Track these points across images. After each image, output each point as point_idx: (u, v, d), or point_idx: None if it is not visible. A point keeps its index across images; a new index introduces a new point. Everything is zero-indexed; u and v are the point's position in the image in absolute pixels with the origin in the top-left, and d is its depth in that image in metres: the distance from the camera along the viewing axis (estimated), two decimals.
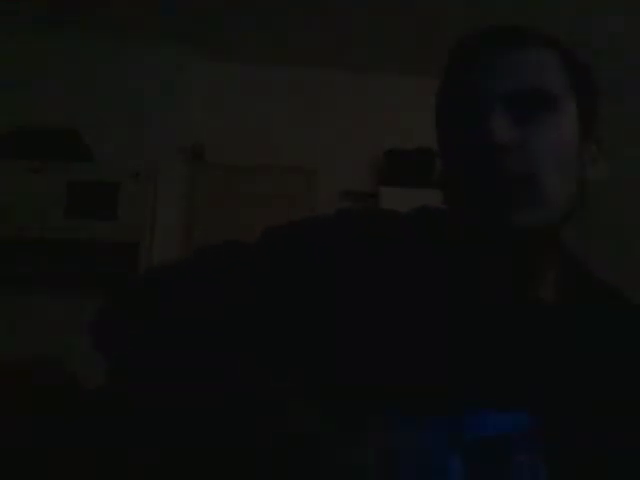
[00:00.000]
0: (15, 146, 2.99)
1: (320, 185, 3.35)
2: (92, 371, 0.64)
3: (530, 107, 0.60)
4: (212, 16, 3.03)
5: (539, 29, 0.64)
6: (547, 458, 0.52)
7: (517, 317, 0.62)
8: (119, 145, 3.14)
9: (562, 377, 0.60)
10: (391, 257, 0.63)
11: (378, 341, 0.59)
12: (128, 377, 0.63)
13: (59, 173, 2.98)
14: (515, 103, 0.60)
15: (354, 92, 3.52)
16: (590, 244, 2.44)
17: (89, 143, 3.10)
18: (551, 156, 0.59)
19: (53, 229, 2.94)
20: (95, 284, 2.71)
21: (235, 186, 3.31)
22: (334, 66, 3.45)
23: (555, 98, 0.61)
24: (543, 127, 0.60)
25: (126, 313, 0.65)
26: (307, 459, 0.50)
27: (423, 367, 0.57)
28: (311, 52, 3.35)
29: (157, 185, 3.14)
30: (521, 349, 0.61)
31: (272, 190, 3.29)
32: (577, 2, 2.70)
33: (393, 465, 0.48)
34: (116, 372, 0.65)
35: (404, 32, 3.10)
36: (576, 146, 0.62)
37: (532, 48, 0.62)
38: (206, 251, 0.68)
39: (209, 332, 0.59)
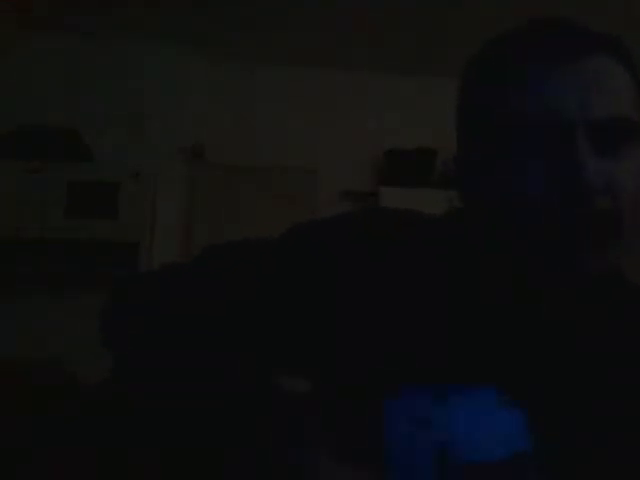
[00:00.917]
0: (15, 146, 2.99)
1: (320, 185, 3.35)
2: (92, 371, 0.64)
3: (613, 136, 0.56)
4: (212, 16, 3.03)
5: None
6: (547, 460, 0.52)
7: (517, 318, 0.62)
8: (119, 145, 3.14)
9: (562, 377, 0.60)
10: (393, 260, 0.63)
11: (377, 341, 0.59)
12: (128, 377, 0.63)
13: (59, 173, 2.98)
14: (598, 129, 0.55)
15: (354, 92, 3.52)
16: None
17: (89, 143, 3.10)
18: (632, 190, 0.56)
19: (53, 229, 2.94)
20: (95, 284, 2.71)
21: (235, 186, 3.31)
22: (334, 66, 3.45)
23: (636, 127, 0.57)
24: (625, 159, 0.56)
25: (127, 312, 0.65)
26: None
27: (422, 366, 0.57)
28: (311, 52, 3.35)
29: (157, 185, 3.14)
30: (522, 349, 0.61)
31: (272, 190, 3.29)
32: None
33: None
34: (119, 372, 0.65)
35: (404, 32, 3.10)
36: None
37: (601, 55, 0.57)
38: (209, 251, 0.68)
39: (209, 331, 0.59)
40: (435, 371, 0.57)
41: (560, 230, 0.55)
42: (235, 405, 0.54)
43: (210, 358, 0.57)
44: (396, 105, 3.47)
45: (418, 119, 3.33)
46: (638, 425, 0.59)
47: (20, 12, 2.95)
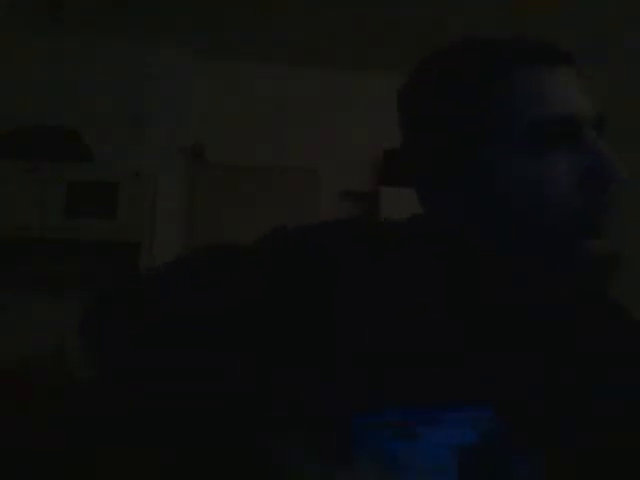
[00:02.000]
0: (15, 146, 2.99)
1: (320, 185, 3.35)
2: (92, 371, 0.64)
3: (599, 130, 0.60)
4: (212, 16, 3.03)
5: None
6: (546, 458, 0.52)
7: (517, 318, 0.62)
8: (119, 145, 3.14)
9: (562, 377, 0.60)
10: (392, 260, 0.63)
11: (377, 341, 0.59)
12: (128, 377, 0.63)
13: (59, 173, 2.98)
14: (596, 123, 0.59)
15: (354, 92, 3.52)
16: None
17: (89, 143, 3.10)
18: None
19: (53, 229, 2.94)
20: (95, 284, 2.71)
21: (235, 186, 3.31)
22: (334, 66, 3.45)
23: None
24: None
25: (125, 312, 0.65)
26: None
27: (421, 365, 0.57)
28: (311, 52, 3.35)
29: (157, 185, 3.14)
30: (521, 349, 0.61)
31: (272, 190, 3.29)
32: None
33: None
34: (114, 372, 0.65)
35: (404, 32, 3.10)
36: None
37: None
38: (207, 251, 0.67)
39: (209, 331, 0.59)
40: (434, 370, 0.57)
41: (577, 213, 0.57)
42: (235, 405, 0.54)
43: (210, 358, 0.57)
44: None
45: None
46: (638, 425, 0.60)
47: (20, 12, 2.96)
